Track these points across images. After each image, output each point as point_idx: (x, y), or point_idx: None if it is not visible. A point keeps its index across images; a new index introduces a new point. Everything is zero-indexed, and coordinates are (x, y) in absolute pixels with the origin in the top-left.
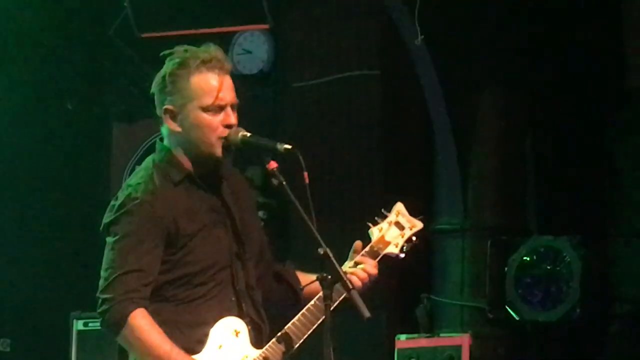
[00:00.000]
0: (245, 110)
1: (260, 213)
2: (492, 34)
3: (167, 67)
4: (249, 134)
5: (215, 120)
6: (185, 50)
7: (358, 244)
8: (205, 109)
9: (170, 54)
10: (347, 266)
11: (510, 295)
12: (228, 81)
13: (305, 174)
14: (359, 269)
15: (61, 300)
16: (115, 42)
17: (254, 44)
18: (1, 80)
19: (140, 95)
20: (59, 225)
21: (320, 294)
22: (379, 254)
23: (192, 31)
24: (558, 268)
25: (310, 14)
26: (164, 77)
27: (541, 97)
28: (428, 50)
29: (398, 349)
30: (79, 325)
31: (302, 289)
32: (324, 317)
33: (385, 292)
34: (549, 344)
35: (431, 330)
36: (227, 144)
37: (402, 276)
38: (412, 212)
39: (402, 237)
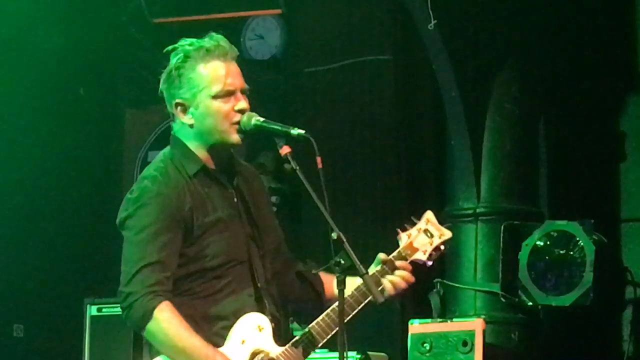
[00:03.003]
0: (257, 96)
1: (273, 198)
2: (505, 19)
3: (173, 62)
4: (262, 119)
5: (227, 107)
6: (189, 44)
7: (382, 255)
8: (216, 96)
9: (174, 49)
10: (373, 269)
11: (523, 280)
12: (234, 67)
13: (319, 159)
14: (396, 276)
15: (74, 285)
16: (128, 27)
17: (266, 29)
18: (14, 67)
19: (152, 81)
20: (72, 211)
21: (346, 295)
22: (406, 260)
23: (205, 16)
24: (571, 253)
25: None
26: (170, 72)
27: (554, 82)
28: (440, 35)
29: (411, 334)
30: (92, 310)
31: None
32: (349, 316)
33: None
34: (562, 329)
35: (444, 315)
36: (240, 129)
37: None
38: (425, 197)
39: (431, 244)
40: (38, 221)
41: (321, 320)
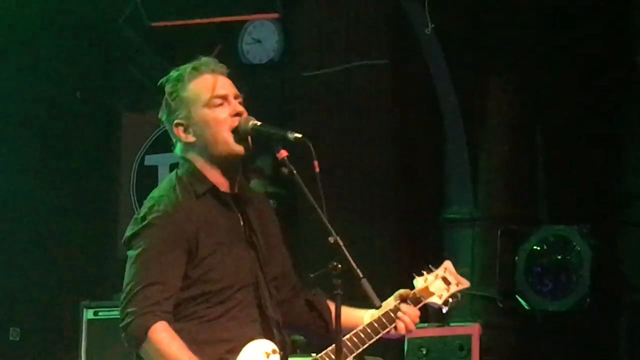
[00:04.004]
0: (254, 99)
1: (270, 202)
2: (503, 23)
3: (167, 90)
4: (259, 123)
5: (223, 114)
6: (179, 69)
7: (403, 292)
8: (208, 105)
9: (167, 79)
10: (392, 302)
11: (520, 285)
12: (223, 78)
13: (316, 162)
14: (403, 316)
15: (71, 289)
16: (125, 31)
17: (264, 33)
18: (11, 70)
19: (150, 84)
20: (68, 215)
21: (361, 326)
22: (421, 302)
23: (202, 20)
24: (568, 257)
25: (320, 3)
26: (166, 100)
27: (551, 86)
28: (438, 40)
29: (408, 339)
30: (89, 314)
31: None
32: (369, 342)
33: (396, 281)
34: (559, 334)
35: (441, 319)
36: (238, 133)
37: (412, 266)
38: (422, 202)
39: (448, 291)
40: (34, 225)
41: (330, 350)
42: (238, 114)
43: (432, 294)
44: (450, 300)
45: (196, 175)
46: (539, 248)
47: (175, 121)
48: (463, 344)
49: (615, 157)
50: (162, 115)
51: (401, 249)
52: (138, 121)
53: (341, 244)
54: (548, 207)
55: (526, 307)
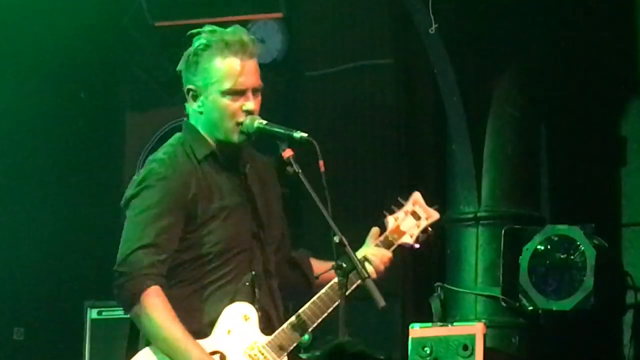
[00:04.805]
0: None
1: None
2: (506, 23)
3: (194, 45)
4: (265, 122)
5: (235, 105)
6: (212, 31)
7: (375, 230)
8: (225, 93)
9: (198, 33)
10: (361, 253)
11: (524, 285)
12: (251, 65)
13: (321, 162)
14: (373, 258)
15: (75, 289)
16: (129, 30)
17: (267, 33)
18: (15, 70)
19: (153, 83)
20: (73, 214)
21: (332, 282)
22: (393, 244)
23: (206, 20)
24: (572, 257)
25: (324, 3)
26: (189, 55)
27: (555, 86)
28: (442, 39)
29: (412, 338)
30: (92, 314)
31: (316, 277)
32: (335, 304)
33: (400, 281)
34: (563, 333)
35: (445, 319)
36: (243, 131)
37: (416, 265)
38: (426, 201)
39: (418, 227)
40: (38, 224)
41: (308, 307)
42: (249, 112)
43: (403, 233)
44: (421, 236)
45: (198, 139)
46: (542, 248)
47: (189, 86)
48: (467, 343)
49: (620, 156)
50: (181, 65)
51: None
52: (142, 120)
53: (346, 243)
54: (552, 206)
55: (530, 306)
